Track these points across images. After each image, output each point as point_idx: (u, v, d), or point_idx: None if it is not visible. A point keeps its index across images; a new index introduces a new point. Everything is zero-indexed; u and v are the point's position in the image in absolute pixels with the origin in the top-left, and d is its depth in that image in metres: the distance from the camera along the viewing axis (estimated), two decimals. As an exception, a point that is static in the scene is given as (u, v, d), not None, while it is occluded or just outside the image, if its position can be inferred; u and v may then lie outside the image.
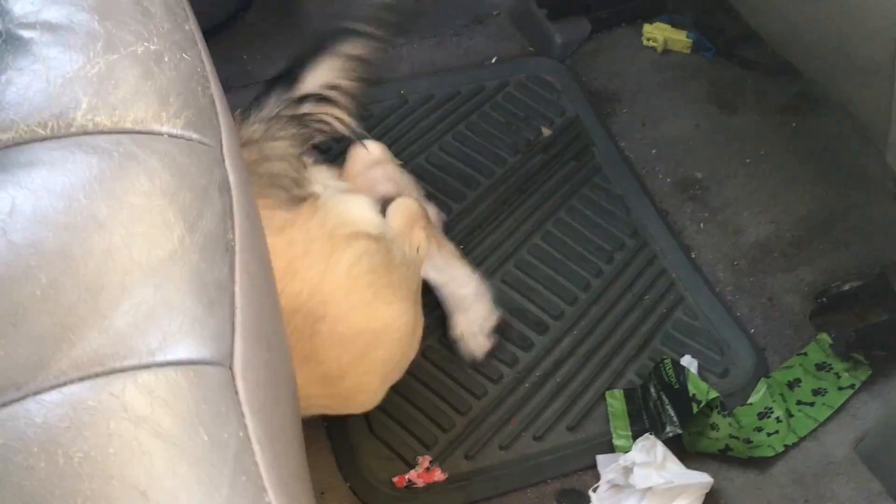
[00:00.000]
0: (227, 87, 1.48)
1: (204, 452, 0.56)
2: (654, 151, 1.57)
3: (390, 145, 1.55)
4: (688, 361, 1.29)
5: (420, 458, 1.22)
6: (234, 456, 0.58)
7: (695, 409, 1.16)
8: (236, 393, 0.61)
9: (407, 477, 1.20)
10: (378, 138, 1.56)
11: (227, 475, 0.57)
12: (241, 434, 0.60)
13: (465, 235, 1.46)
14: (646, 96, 1.64)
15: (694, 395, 1.17)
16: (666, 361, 1.23)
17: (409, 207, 1.25)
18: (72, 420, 0.53)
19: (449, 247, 1.33)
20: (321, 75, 1.16)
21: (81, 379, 0.55)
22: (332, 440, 1.23)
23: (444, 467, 1.22)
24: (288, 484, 0.63)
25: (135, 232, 0.61)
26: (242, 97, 1.58)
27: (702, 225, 1.48)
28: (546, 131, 1.60)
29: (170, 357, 0.59)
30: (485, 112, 1.62)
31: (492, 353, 1.33)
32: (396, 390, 1.28)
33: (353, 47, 1.17)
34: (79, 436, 0.53)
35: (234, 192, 0.70)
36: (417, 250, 1.20)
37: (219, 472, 0.56)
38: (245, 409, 0.61)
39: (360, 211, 1.10)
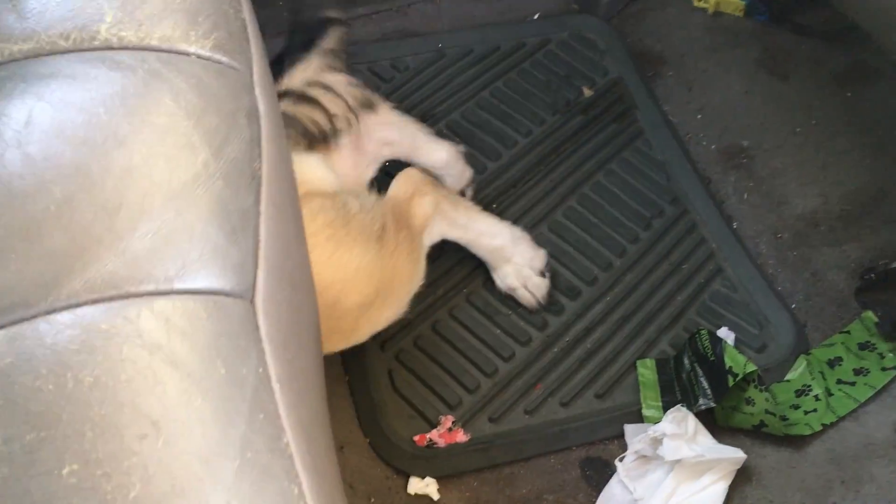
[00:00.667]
0: (261, 32, 1.46)
1: (221, 386, 0.53)
2: (699, 117, 1.51)
3: (426, 98, 1.51)
4: (724, 334, 1.24)
5: (442, 418, 1.19)
6: (252, 392, 0.55)
7: (730, 383, 1.11)
8: (257, 328, 0.58)
9: (428, 436, 1.17)
10: (414, 91, 1.52)
11: (245, 412, 0.53)
12: (260, 371, 0.57)
13: (498, 194, 1.41)
14: (693, 60, 1.57)
15: (730, 367, 1.13)
16: (702, 332, 1.19)
17: (410, 177, 1.25)
18: (83, 343, 0.50)
19: (465, 203, 1.30)
20: (305, 72, 1.21)
21: (95, 301, 0.52)
22: (353, 395, 1.20)
23: (467, 429, 1.19)
24: (307, 426, 0.60)
25: (157, 152, 0.57)
26: (276, 44, 1.55)
27: (745, 195, 1.42)
28: (587, 92, 1.55)
29: (189, 285, 0.56)
30: (524, 69, 1.57)
31: (519, 315, 1.29)
32: (421, 348, 1.25)
33: (330, 40, 1.24)
34: (90, 359, 0.50)
35: (263, 121, 0.67)
36: (417, 220, 1.21)
37: (235, 407, 0.53)
38: (266, 345, 0.58)
39: (311, 170, 1.12)
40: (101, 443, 0.48)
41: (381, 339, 1.25)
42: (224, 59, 0.66)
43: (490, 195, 1.41)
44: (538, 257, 1.30)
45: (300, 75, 1.22)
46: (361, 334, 1.11)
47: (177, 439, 0.50)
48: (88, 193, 0.54)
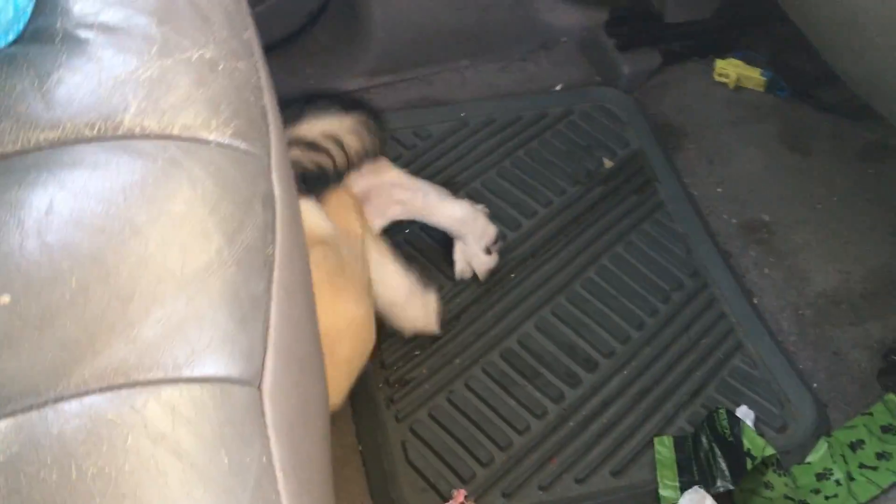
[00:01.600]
0: (288, 100, 1.49)
1: (223, 476, 0.54)
2: (719, 190, 1.51)
3: (448, 166, 1.53)
4: (744, 412, 1.22)
5: (455, 492, 1.18)
6: (255, 482, 0.55)
7: (749, 466, 1.10)
8: (263, 414, 0.59)
9: (440, 510, 1.16)
10: (436, 159, 1.54)
11: (246, 502, 0.54)
12: (263, 459, 0.57)
13: (517, 264, 1.42)
14: (714, 133, 1.58)
15: (749, 450, 1.11)
16: (720, 411, 1.17)
17: (339, 197, 1.25)
18: (89, 432, 0.51)
19: (419, 183, 1.36)
20: (323, 125, 1.22)
21: (103, 390, 0.53)
22: (366, 465, 1.20)
23: (480, 503, 1.17)
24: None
25: (171, 240, 0.59)
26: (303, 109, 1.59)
27: (766, 270, 1.42)
28: (608, 163, 1.56)
29: (196, 373, 0.56)
30: (546, 139, 1.59)
31: (535, 387, 1.28)
32: (436, 419, 1.24)
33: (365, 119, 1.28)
34: (94, 449, 0.50)
35: (278, 206, 0.68)
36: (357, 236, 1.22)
37: (237, 498, 0.53)
38: (271, 432, 0.59)
39: (312, 218, 1.12)
40: (100, 535, 0.48)
41: (396, 410, 1.24)
42: (242, 145, 0.68)
43: (509, 264, 1.41)
44: (487, 235, 1.34)
45: (318, 127, 1.23)
46: (346, 392, 1.11)
47: (176, 533, 0.50)
48: (103, 282, 0.55)
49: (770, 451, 1.09)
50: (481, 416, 1.26)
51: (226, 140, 0.67)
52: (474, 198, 1.49)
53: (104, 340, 0.54)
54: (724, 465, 1.13)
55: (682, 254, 1.44)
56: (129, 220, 0.58)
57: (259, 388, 0.60)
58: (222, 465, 0.54)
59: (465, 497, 1.18)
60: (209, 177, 0.63)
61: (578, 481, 1.21)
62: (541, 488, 1.20)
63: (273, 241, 0.65)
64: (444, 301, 1.36)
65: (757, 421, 1.23)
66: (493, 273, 1.39)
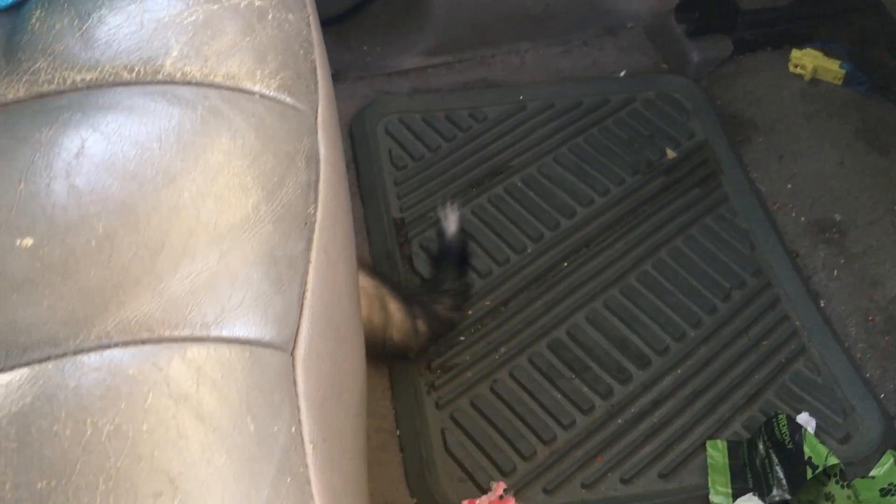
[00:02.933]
0: (343, 76, 1.45)
1: (248, 444, 0.50)
2: (789, 186, 1.44)
3: (503, 150, 1.48)
4: (805, 420, 1.15)
5: (494, 484, 1.13)
6: (281, 453, 0.51)
7: (809, 475, 1.03)
8: (294, 383, 0.55)
9: (478, 502, 1.12)
10: (490, 143, 1.49)
11: (271, 474, 0.50)
12: (293, 430, 0.53)
13: (570, 253, 1.36)
14: (786, 126, 1.50)
15: (810, 458, 1.04)
16: (780, 416, 1.10)
17: None
18: (108, 388, 0.48)
19: None
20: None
21: (125, 344, 0.50)
22: (403, 451, 1.16)
23: (519, 498, 1.12)
24: (339, 493, 0.56)
25: (207, 192, 0.55)
26: (357, 88, 1.55)
27: (835, 272, 1.34)
28: (671, 153, 1.49)
29: (226, 333, 0.53)
30: (606, 127, 1.53)
31: (583, 381, 1.23)
32: (478, 408, 1.20)
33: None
34: (112, 406, 0.47)
35: (322, 166, 0.64)
36: None
37: (261, 468, 0.49)
38: (302, 402, 0.55)
39: None
40: (112, 498, 0.45)
41: (437, 396, 1.20)
42: (288, 99, 0.65)
43: (561, 253, 1.36)
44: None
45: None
46: None
47: (193, 500, 0.46)
48: (132, 230, 0.52)
49: (833, 460, 1.02)
50: (525, 407, 1.20)
51: (271, 92, 0.63)
52: (528, 184, 1.44)
53: (129, 292, 0.50)
54: (781, 473, 1.06)
55: (745, 251, 1.37)
56: (163, 168, 0.54)
57: (292, 354, 0.56)
58: (248, 433, 0.50)
59: (505, 490, 1.13)
60: (251, 129, 0.60)
61: (624, 481, 1.15)
62: (584, 486, 1.15)
63: (315, 201, 0.62)
64: (492, 287, 1.31)
65: (818, 430, 1.16)
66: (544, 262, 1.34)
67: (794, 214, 1.41)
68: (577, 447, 1.18)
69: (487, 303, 1.30)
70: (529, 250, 1.36)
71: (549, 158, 1.48)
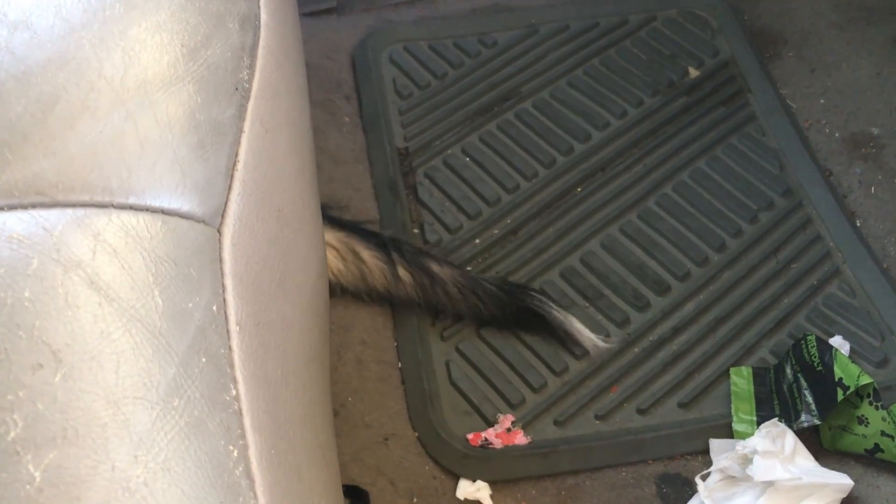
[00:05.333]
0: (348, 8, 1.37)
1: (153, 318, 0.44)
2: (822, 101, 1.33)
3: (514, 75, 1.40)
4: (838, 343, 1.06)
5: (501, 417, 1.07)
6: (196, 331, 0.45)
7: (840, 397, 0.94)
8: (219, 260, 0.49)
9: (484, 435, 1.05)
10: (501, 68, 1.41)
11: (180, 352, 0.44)
12: (213, 308, 0.47)
13: (582, 178, 1.28)
14: (818, 39, 1.39)
15: (840, 379, 0.95)
16: (809, 337, 1.02)
17: None
18: (-13, 252, 0.42)
19: None
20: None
21: (11, 207, 0.44)
22: (405, 383, 1.10)
23: (528, 431, 1.06)
24: (276, 386, 0.50)
25: (113, 45, 0.49)
26: (362, 18, 1.48)
27: (873, 189, 1.23)
28: (693, 72, 1.40)
29: (133, 200, 0.47)
30: (624, 47, 1.43)
31: (597, 309, 1.15)
32: (485, 339, 1.13)
33: None
34: (-11, 271, 0.41)
35: (263, 32, 0.58)
36: None
37: (168, 345, 0.43)
38: (229, 280, 0.49)
39: None
40: (-18, 368, 0.39)
41: (442, 327, 1.14)
42: (222, -41, 0.58)
43: (574, 178, 1.28)
44: None
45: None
46: None
47: (80, 374, 0.41)
48: (20, 83, 0.46)
49: (866, 379, 0.93)
50: (535, 337, 1.13)
51: (200, -51, 0.56)
52: (540, 108, 1.36)
53: (17, 150, 0.45)
54: (810, 398, 0.98)
55: (774, 170, 1.28)
56: (62, 17, 0.48)
57: (219, 229, 0.50)
58: (153, 306, 0.44)
59: (513, 423, 1.07)
60: (172, -17, 0.53)
61: (641, 412, 1.08)
62: (598, 418, 1.07)
63: (251, 68, 0.55)
64: (500, 215, 1.24)
65: (853, 354, 1.07)
66: (557, 186, 1.27)
67: (827, 131, 1.31)
68: (590, 377, 1.10)
69: (496, 231, 1.23)
70: (541, 176, 1.28)
71: (563, 82, 1.39)
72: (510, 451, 1.05)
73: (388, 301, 1.15)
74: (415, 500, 1.02)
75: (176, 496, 0.39)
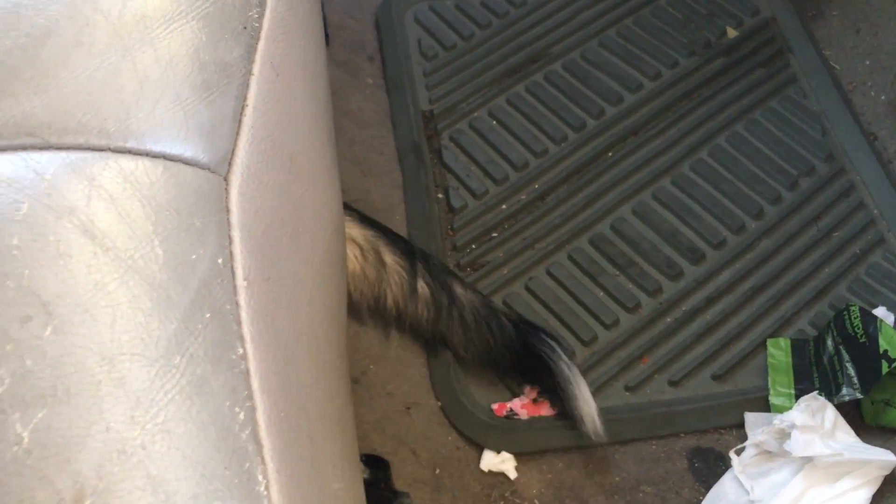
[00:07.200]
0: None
1: (152, 270, 0.40)
2: (867, 63, 1.27)
3: (543, 35, 1.35)
4: (882, 314, 1.01)
5: (527, 387, 1.03)
6: (200, 285, 0.42)
7: (884, 369, 0.89)
8: (226, 210, 0.45)
9: (509, 405, 1.02)
10: (529, 28, 1.36)
11: (182, 306, 0.41)
12: (219, 261, 0.44)
13: (616, 142, 1.23)
14: (865, -4, 1.32)
15: (886, 351, 0.90)
16: (853, 308, 0.97)
17: None
18: (-27, 196, 0.39)
19: None
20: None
21: (0, 149, 0.41)
22: (428, 352, 1.06)
23: (555, 401, 1.02)
24: (287, 343, 0.46)
25: (111, -23, 0.45)
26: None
27: (921, 154, 1.17)
28: (732, 32, 1.34)
29: (131, 143, 0.43)
30: (659, 7, 1.37)
31: (628, 277, 1.11)
32: (511, 307, 1.09)
33: None
34: (-25, 216, 0.38)
35: (274, -30, 0.53)
36: None
37: (169, 298, 0.40)
38: (236, 232, 0.45)
39: None
40: (-34, 320, 0.36)
41: (467, 294, 1.10)
42: None
43: (605, 142, 1.23)
44: None
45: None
46: None
47: (72, 328, 0.37)
48: (8, 13, 0.42)
49: (914, 351, 0.89)
50: (563, 306, 1.10)
51: None
52: (570, 70, 1.30)
53: (5, 88, 0.41)
54: (852, 370, 0.93)
55: (816, 135, 1.22)
56: (55, -54, 0.45)
57: (226, 178, 0.46)
58: (153, 257, 0.41)
59: (539, 393, 1.03)
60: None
61: (673, 384, 1.04)
62: (627, 389, 1.04)
63: (260, 6, 0.51)
64: (528, 180, 1.20)
65: (898, 325, 1.02)
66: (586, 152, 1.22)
67: (872, 94, 1.24)
68: (620, 348, 1.07)
69: (523, 197, 1.19)
70: (570, 140, 1.24)
71: (594, 42, 1.34)
72: (536, 423, 1.01)
73: (390, 320, 1.06)
74: (437, 471, 0.99)
75: (176, 459, 0.36)
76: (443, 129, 1.26)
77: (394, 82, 1.30)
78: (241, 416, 0.40)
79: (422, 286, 1.03)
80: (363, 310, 1.04)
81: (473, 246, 1.15)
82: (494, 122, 1.26)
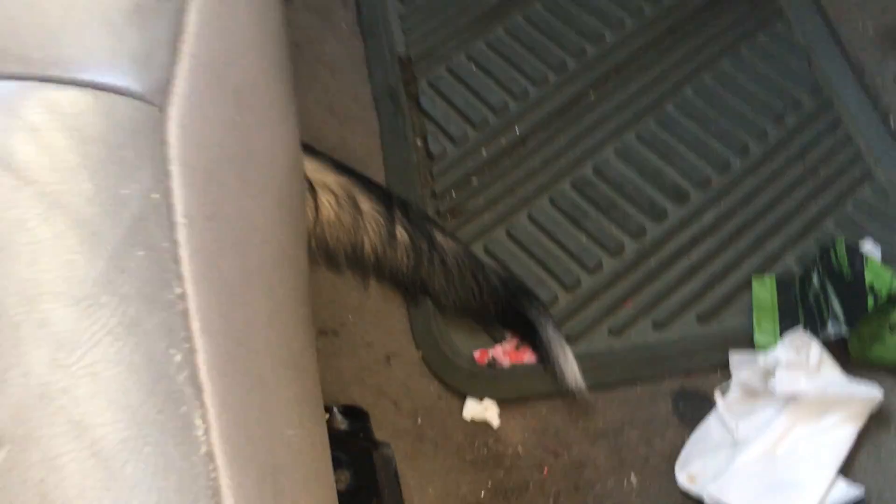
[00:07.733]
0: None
1: (78, 205, 0.38)
2: (855, -7, 1.23)
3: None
4: (869, 248, 0.99)
5: (509, 334, 1.02)
6: (132, 220, 0.39)
7: (870, 305, 0.88)
8: (164, 143, 0.43)
9: (491, 353, 1.00)
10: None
11: (112, 242, 0.38)
12: (154, 196, 0.41)
13: (595, 82, 1.20)
14: (852, -77, 1.28)
15: (871, 285, 0.89)
16: (838, 242, 0.95)
17: None
18: None
19: None
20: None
21: None
22: (408, 301, 1.04)
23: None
24: (232, 284, 0.44)
25: None
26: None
27: (909, 86, 1.14)
28: (715, -35, 1.29)
29: (56, 72, 0.40)
30: (640, -59, 1.33)
31: (611, 220, 1.08)
32: (492, 253, 1.07)
33: None
34: None
35: None
36: None
37: (96, 234, 0.38)
38: (175, 167, 0.43)
39: None
40: None
41: (446, 241, 1.08)
42: None
43: (587, 82, 1.20)
44: None
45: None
46: None
47: (-11, 266, 0.35)
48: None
49: (900, 284, 0.87)
50: (545, 251, 1.07)
51: None
52: (551, 10, 1.26)
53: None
54: (837, 307, 0.91)
55: (801, 68, 1.19)
56: None
57: (162, 109, 0.43)
58: (79, 191, 0.38)
59: (521, 340, 1.01)
60: None
61: (657, 326, 1.02)
62: (612, 333, 1.02)
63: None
64: (507, 124, 1.17)
65: (885, 259, 1.00)
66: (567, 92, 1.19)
67: (860, 24, 1.21)
68: (603, 292, 1.05)
69: (503, 141, 1.16)
70: (550, 81, 1.20)
71: (572, -19, 1.30)
72: (519, 370, 1.00)
73: (369, 268, 1.03)
74: (419, 420, 0.97)
75: (102, 404, 0.34)
76: (420, 74, 1.22)
77: (369, 27, 1.27)
78: (178, 357, 0.38)
79: (400, 232, 1.01)
80: (340, 258, 1.02)
81: (453, 193, 1.12)
82: (473, 66, 1.22)
